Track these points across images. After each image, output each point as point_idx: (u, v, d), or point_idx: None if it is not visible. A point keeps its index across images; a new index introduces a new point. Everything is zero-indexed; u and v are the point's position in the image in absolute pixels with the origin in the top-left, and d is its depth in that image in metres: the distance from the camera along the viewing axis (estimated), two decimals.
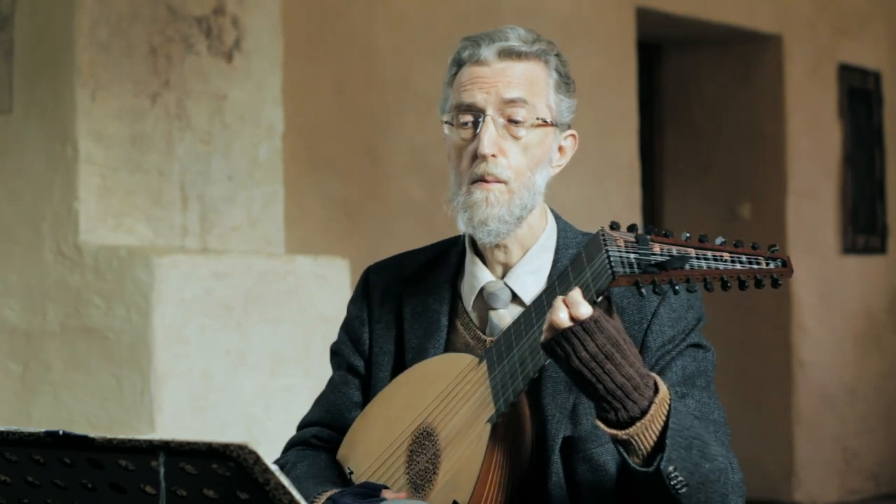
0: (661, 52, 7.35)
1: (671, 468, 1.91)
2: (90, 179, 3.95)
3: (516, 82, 2.13)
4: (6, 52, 4.09)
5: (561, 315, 1.89)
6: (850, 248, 7.41)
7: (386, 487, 2.11)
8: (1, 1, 4.09)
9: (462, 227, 2.15)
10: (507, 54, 2.14)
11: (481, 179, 2.12)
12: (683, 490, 1.92)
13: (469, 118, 2.14)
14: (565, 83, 2.19)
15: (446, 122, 2.17)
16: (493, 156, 2.11)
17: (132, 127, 4.03)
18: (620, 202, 6.21)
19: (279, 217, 4.34)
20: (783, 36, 7.10)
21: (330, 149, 5.16)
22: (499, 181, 2.12)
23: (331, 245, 4.99)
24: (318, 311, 4.12)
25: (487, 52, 2.14)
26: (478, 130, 2.12)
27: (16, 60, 4.07)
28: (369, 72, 5.21)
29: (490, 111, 2.12)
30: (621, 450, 1.93)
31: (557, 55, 2.19)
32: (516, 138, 2.13)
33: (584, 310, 1.88)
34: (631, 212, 6.22)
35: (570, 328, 1.88)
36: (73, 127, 3.93)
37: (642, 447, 1.92)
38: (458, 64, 2.18)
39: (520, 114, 2.13)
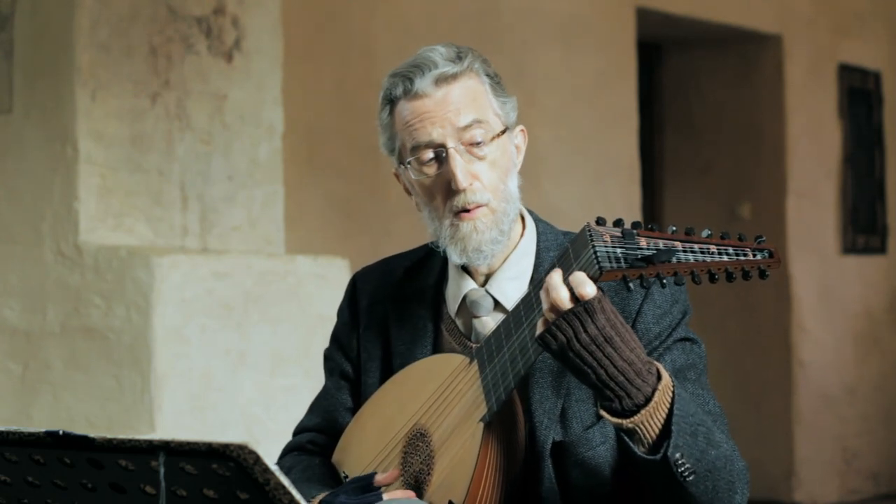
0: (661, 52, 7.35)
1: (678, 455, 1.89)
2: (90, 179, 3.95)
3: (464, 106, 2.12)
4: (6, 52, 4.09)
5: (562, 295, 1.88)
6: (850, 248, 7.41)
7: (374, 473, 2.11)
8: (1, 1, 4.09)
9: (456, 259, 2.14)
10: (443, 80, 2.12)
11: (463, 210, 2.11)
12: (691, 477, 1.91)
13: (430, 154, 2.12)
14: (498, 83, 2.18)
15: (407, 164, 2.14)
16: (470, 184, 2.11)
17: (132, 127, 4.03)
18: (620, 202, 6.21)
19: (279, 217, 4.34)
20: (783, 36, 7.10)
21: (330, 149, 5.16)
22: (480, 206, 2.12)
23: (331, 245, 4.99)
24: (318, 311, 4.12)
25: (423, 83, 2.12)
26: (442, 165, 2.11)
27: (16, 60, 4.07)
28: (369, 72, 5.21)
29: (451, 143, 2.11)
30: (626, 439, 1.92)
31: (481, 59, 2.18)
32: (482, 158, 2.12)
33: (590, 289, 1.87)
34: (631, 212, 6.22)
35: (572, 309, 1.87)
36: (73, 127, 3.93)
37: (648, 435, 1.90)
38: (391, 101, 2.16)
39: (479, 135, 2.12)
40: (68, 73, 3.94)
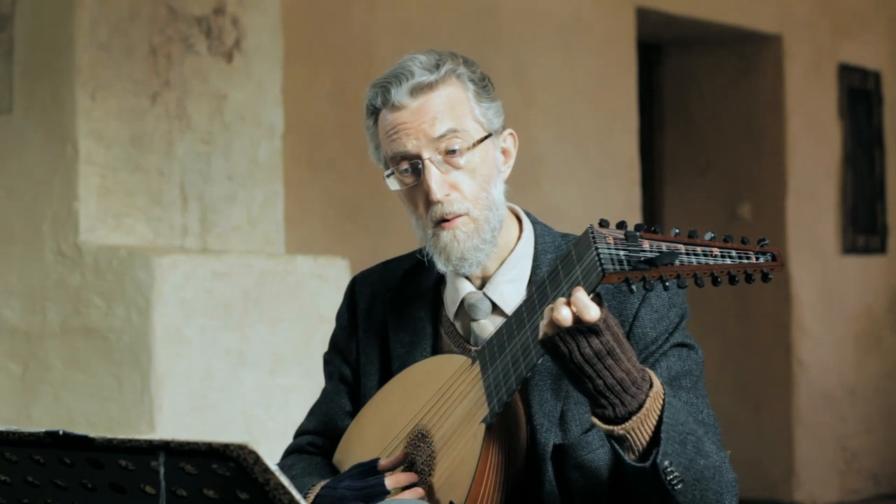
0: (661, 52, 7.35)
1: (667, 462, 1.90)
2: (90, 179, 3.95)
3: (439, 115, 2.12)
4: (6, 52, 4.09)
5: (563, 313, 1.87)
6: (850, 248, 7.41)
7: (378, 459, 2.11)
8: (1, 1, 4.09)
9: (441, 268, 2.15)
10: (419, 90, 2.12)
11: (442, 220, 2.11)
12: (679, 486, 1.92)
13: (407, 165, 2.13)
14: (483, 88, 2.17)
15: (387, 175, 2.16)
16: (447, 195, 2.11)
17: (132, 127, 4.03)
18: (620, 202, 6.21)
19: (279, 217, 4.34)
20: (783, 36, 7.10)
21: (330, 149, 5.16)
22: (459, 215, 2.11)
23: (331, 245, 4.99)
24: (318, 311, 4.12)
25: (399, 95, 2.12)
26: (420, 176, 2.12)
27: (16, 60, 4.07)
28: (369, 72, 5.21)
29: (426, 154, 2.11)
30: (616, 446, 1.92)
31: (465, 63, 2.17)
32: (459, 168, 2.12)
33: (594, 312, 1.87)
34: (631, 212, 6.22)
35: (575, 327, 1.87)
36: (73, 127, 3.93)
37: (638, 442, 1.91)
38: (374, 111, 2.17)
39: (455, 143, 2.12)
40: (68, 73, 3.94)
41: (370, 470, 2.09)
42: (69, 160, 3.95)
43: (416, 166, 2.12)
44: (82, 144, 3.93)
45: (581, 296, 1.87)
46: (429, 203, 2.12)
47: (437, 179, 2.11)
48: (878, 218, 7.60)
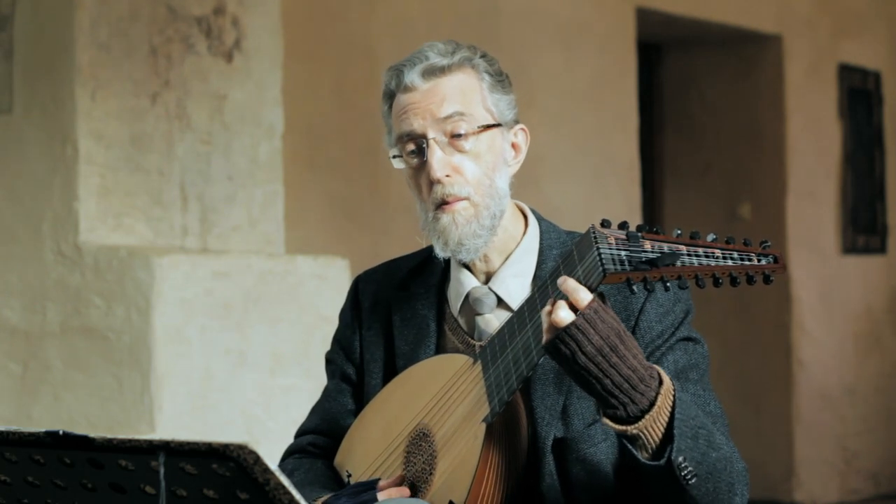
0: (661, 52, 7.35)
1: (681, 458, 1.90)
2: (90, 179, 3.95)
3: (448, 98, 2.13)
4: (6, 52, 4.09)
5: (561, 314, 1.88)
6: (850, 248, 7.41)
7: (378, 480, 2.11)
8: (1, 1, 4.09)
9: (440, 252, 2.15)
10: (431, 73, 2.14)
11: (443, 203, 2.12)
12: (693, 480, 1.92)
13: (413, 146, 2.14)
14: (499, 81, 2.18)
15: (395, 156, 2.16)
16: (448, 176, 2.11)
17: (132, 127, 4.03)
18: (620, 202, 6.21)
19: (279, 217, 4.34)
20: (783, 36, 7.10)
21: (330, 149, 5.16)
22: (460, 199, 2.12)
23: (331, 245, 4.99)
24: (318, 311, 4.12)
25: (411, 76, 2.14)
26: (425, 156, 2.12)
27: (16, 60, 4.07)
28: (369, 72, 5.21)
29: (431, 134, 2.12)
30: (629, 445, 1.92)
31: (483, 56, 2.18)
32: (464, 152, 2.13)
33: (584, 294, 1.87)
34: (631, 212, 6.22)
35: (572, 323, 1.87)
36: (73, 127, 3.93)
37: (651, 440, 1.91)
38: (389, 95, 2.18)
39: (461, 127, 2.12)
40: (68, 73, 3.94)
41: (368, 489, 2.09)
42: (69, 160, 3.95)
43: (421, 146, 2.13)
44: (82, 144, 3.93)
45: (570, 281, 1.88)
46: (431, 184, 2.12)
47: (439, 158, 2.11)
48: (878, 218, 7.59)
